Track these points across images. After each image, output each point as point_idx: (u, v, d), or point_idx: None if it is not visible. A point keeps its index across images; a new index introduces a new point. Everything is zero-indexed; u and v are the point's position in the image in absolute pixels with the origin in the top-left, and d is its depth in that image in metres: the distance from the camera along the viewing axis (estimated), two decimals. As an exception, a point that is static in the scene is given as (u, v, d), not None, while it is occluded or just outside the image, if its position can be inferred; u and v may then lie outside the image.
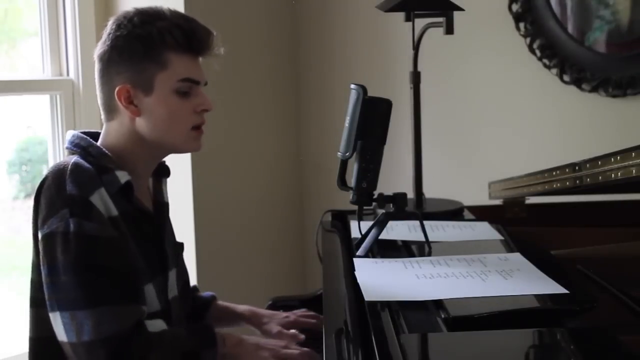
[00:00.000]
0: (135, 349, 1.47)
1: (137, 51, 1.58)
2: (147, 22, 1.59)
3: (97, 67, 1.64)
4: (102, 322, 1.45)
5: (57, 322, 1.49)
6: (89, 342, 1.45)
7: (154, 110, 1.60)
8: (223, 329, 1.78)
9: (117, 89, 1.59)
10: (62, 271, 1.47)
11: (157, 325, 1.56)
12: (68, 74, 2.87)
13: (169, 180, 1.78)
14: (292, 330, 1.80)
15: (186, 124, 1.62)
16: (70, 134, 1.65)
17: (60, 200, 1.50)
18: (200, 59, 1.64)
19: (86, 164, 1.54)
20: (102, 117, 1.66)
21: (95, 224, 1.49)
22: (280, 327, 1.82)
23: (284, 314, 1.89)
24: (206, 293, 1.93)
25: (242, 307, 1.91)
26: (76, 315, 1.46)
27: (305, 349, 1.64)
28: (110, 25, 1.62)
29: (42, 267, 1.51)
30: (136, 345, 1.48)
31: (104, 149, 1.60)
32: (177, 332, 1.58)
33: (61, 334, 1.49)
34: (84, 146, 1.60)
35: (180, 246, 1.80)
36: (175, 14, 1.62)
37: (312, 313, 1.90)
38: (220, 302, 1.92)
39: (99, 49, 1.63)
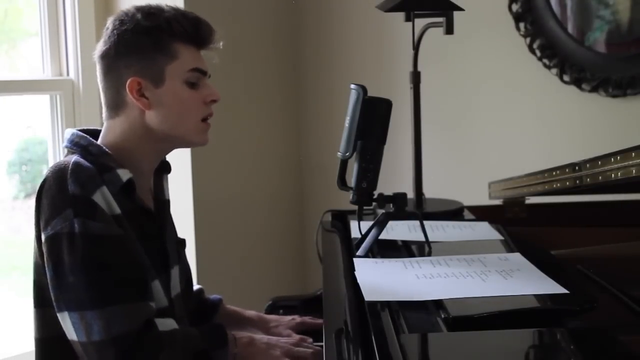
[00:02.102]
0: (145, 348, 1.46)
1: (146, 43, 1.58)
2: (152, 14, 1.59)
3: (100, 65, 1.63)
4: (111, 322, 1.45)
5: (66, 322, 1.49)
6: (99, 341, 1.45)
7: (165, 102, 1.59)
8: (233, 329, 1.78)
9: (128, 82, 1.58)
10: (68, 272, 1.46)
11: (168, 324, 1.55)
12: (68, 74, 2.87)
13: (169, 179, 1.78)
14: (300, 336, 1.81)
15: (197, 115, 1.63)
16: (69, 132, 1.63)
17: (62, 200, 1.49)
18: (202, 52, 1.65)
19: (86, 163, 1.53)
20: (105, 115, 1.64)
21: (99, 223, 1.48)
22: (290, 331, 1.82)
23: (289, 318, 1.89)
24: (213, 296, 1.92)
25: (249, 312, 1.91)
26: (85, 315, 1.46)
27: (317, 347, 1.63)
28: (111, 23, 1.61)
29: (47, 269, 1.50)
30: (147, 344, 1.47)
31: (104, 147, 1.59)
32: (189, 332, 1.58)
33: (71, 334, 1.48)
34: (83, 145, 1.59)
35: (181, 243, 1.79)
36: (175, 8, 1.63)
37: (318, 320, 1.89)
38: (228, 306, 1.92)
39: (100, 48, 1.62)
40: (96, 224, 1.48)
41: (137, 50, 1.58)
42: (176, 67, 1.59)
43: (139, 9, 1.61)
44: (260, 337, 1.65)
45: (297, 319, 1.87)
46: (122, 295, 1.47)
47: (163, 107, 1.60)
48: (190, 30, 1.60)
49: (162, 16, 1.59)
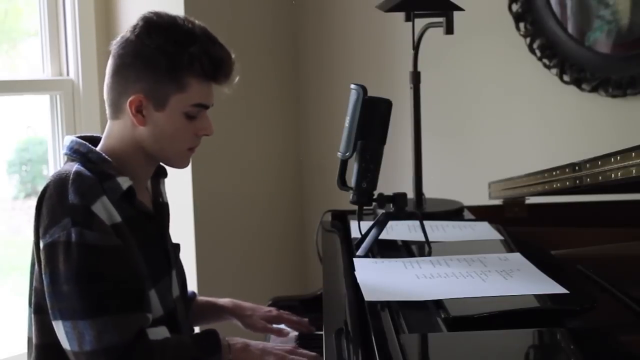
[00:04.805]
0: (137, 357, 1.47)
1: (162, 67, 1.56)
2: (181, 43, 1.56)
3: (113, 61, 1.61)
4: (103, 332, 1.46)
5: (60, 330, 1.49)
6: (90, 351, 1.46)
7: (159, 125, 1.59)
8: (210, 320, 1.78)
9: (131, 97, 1.57)
10: (63, 281, 1.47)
11: (160, 332, 1.55)
12: (68, 74, 2.87)
13: (169, 179, 1.78)
14: (281, 326, 1.82)
15: (184, 144, 1.63)
16: (68, 139, 1.63)
17: (62, 209, 1.50)
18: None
19: (87, 172, 1.54)
20: (107, 113, 1.64)
21: (96, 233, 1.48)
22: (265, 322, 1.83)
23: (267, 308, 1.90)
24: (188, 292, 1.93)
25: (224, 300, 1.91)
26: (77, 325, 1.47)
27: (313, 353, 1.63)
28: (140, 26, 1.59)
29: (44, 276, 1.50)
30: (138, 354, 1.48)
31: (103, 155, 1.59)
32: (181, 339, 1.58)
33: (64, 342, 1.49)
34: (83, 152, 1.59)
35: (177, 247, 1.80)
36: (204, 35, 1.60)
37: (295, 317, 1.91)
38: (201, 298, 1.92)
39: (120, 45, 1.59)
40: (93, 234, 1.48)
41: (152, 70, 1.57)
42: (182, 98, 1.58)
43: (170, 27, 1.58)
44: (256, 342, 1.65)
45: (274, 311, 1.88)
46: (114, 306, 1.48)
47: (155, 129, 1.60)
48: (209, 70, 1.59)
49: (188, 51, 1.56)
